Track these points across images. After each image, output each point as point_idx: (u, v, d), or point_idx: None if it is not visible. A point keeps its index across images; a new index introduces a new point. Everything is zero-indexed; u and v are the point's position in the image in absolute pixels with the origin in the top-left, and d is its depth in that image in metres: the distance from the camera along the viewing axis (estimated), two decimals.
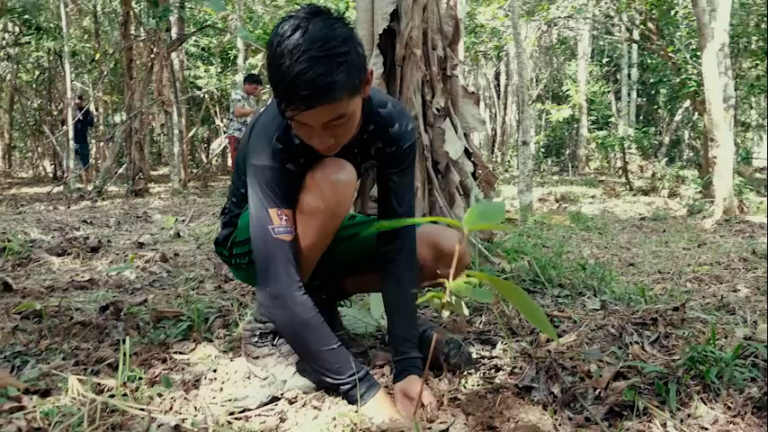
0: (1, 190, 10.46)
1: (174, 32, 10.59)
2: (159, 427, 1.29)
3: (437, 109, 2.90)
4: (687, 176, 9.73)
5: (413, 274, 1.64)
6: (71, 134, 10.23)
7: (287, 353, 1.66)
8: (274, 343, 1.68)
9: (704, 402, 1.39)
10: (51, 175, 16.19)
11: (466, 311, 1.45)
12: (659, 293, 2.65)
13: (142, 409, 1.37)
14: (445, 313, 1.37)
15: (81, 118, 10.77)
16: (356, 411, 1.41)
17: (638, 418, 1.36)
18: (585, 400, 1.43)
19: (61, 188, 9.63)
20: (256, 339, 1.68)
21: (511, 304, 2.31)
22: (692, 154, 17.25)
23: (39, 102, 18.90)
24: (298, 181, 1.47)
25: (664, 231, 5.54)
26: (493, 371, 1.69)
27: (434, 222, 2.49)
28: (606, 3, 12.82)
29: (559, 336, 1.96)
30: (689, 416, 1.35)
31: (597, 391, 1.46)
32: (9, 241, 3.68)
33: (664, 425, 1.32)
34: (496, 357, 1.80)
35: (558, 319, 2.17)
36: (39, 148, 18.94)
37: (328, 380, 1.46)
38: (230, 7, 14.06)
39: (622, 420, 1.34)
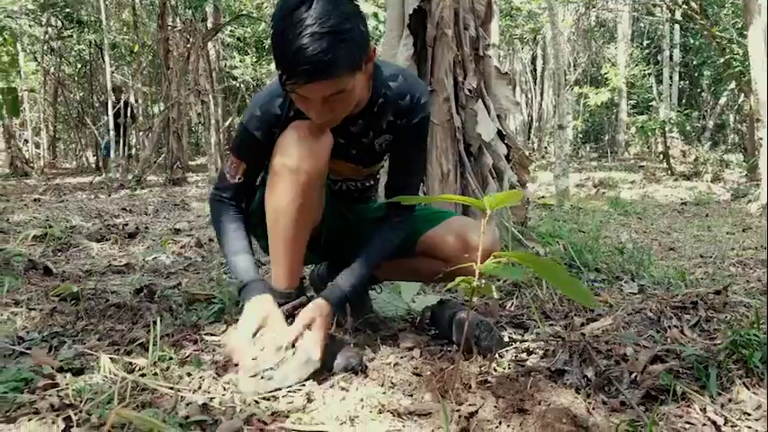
0: (46, 180, 10.73)
1: (209, 23, 10.70)
2: (187, 405, 1.30)
3: (469, 90, 2.84)
4: (732, 161, 9.42)
5: (391, 247, 1.72)
6: (111, 125, 10.44)
7: None
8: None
9: (747, 387, 1.33)
10: (94, 165, 16.58)
11: (496, 294, 1.43)
12: (700, 278, 2.56)
13: (171, 388, 1.38)
14: (475, 297, 1.35)
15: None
16: (384, 393, 1.39)
17: (676, 403, 1.31)
18: (621, 384, 1.39)
19: (102, 177, 9.86)
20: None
21: (544, 288, 2.27)
22: (737, 138, 16.69)
23: (81, 94, 19.34)
24: (263, 149, 1.55)
25: (706, 216, 5.37)
26: (524, 354, 1.66)
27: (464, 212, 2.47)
28: None
29: (594, 320, 1.91)
30: (730, 401, 1.30)
31: (633, 375, 1.41)
32: (51, 227, 3.77)
33: (703, 409, 1.27)
34: (528, 341, 1.76)
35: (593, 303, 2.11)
36: (82, 140, 19.42)
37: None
38: None
39: (659, 405, 1.30)
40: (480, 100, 2.89)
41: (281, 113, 1.52)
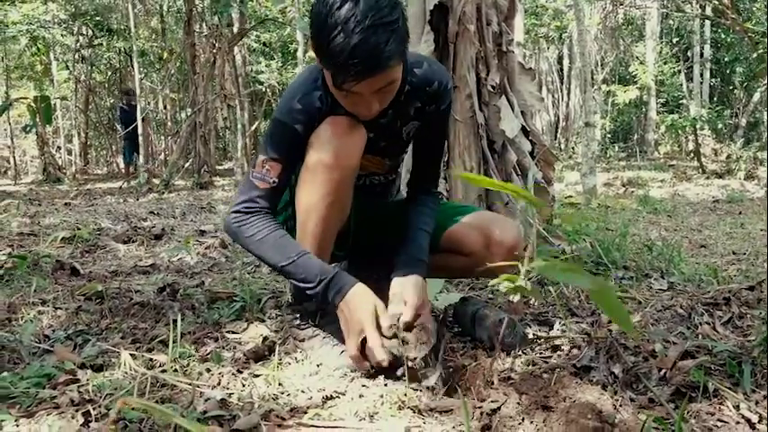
0: (78, 185, 10.94)
1: (235, 28, 10.80)
2: (206, 401, 1.29)
3: (492, 86, 2.80)
4: (765, 160, 9.17)
5: (429, 220, 1.68)
6: (140, 130, 10.59)
7: (332, 332, 1.64)
8: (317, 323, 1.66)
9: None
10: (124, 171, 16.86)
11: (541, 297, 1.40)
12: (733, 275, 2.48)
13: (190, 384, 1.38)
14: (516, 297, 1.33)
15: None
16: (404, 390, 1.36)
17: (708, 400, 1.26)
18: (649, 381, 1.34)
19: (132, 183, 10.01)
20: (299, 322, 1.67)
21: (570, 285, 2.22)
22: None
23: (111, 101, 19.70)
24: (303, 144, 1.48)
25: (740, 213, 5.23)
26: (549, 351, 1.62)
27: (489, 208, 2.44)
28: None
29: None
30: (765, 397, 1.24)
31: (662, 372, 1.36)
32: (79, 230, 3.83)
33: (737, 407, 1.22)
34: (554, 338, 1.71)
35: (621, 300, 2.05)
36: (112, 146, 19.77)
37: (306, 292, 1.46)
38: (289, 0, 14.23)
39: (690, 402, 1.25)
40: (504, 96, 2.85)
41: (321, 106, 1.48)
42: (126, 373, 1.45)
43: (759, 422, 1.16)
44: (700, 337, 1.57)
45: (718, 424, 1.17)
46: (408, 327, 1.43)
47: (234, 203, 1.52)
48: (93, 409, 1.22)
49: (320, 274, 1.42)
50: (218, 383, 1.41)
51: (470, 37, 2.77)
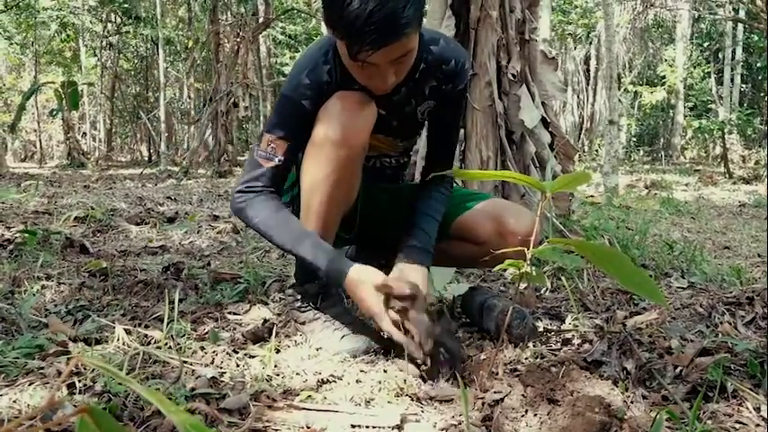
0: (100, 171, 11.04)
1: (261, 19, 10.80)
2: (197, 378, 1.25)
3: (513, 75, 2.73)
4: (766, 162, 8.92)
5: (439, 206, 1.63)
6: (162, 117, 10.66)
7: (333, 316, 1.59)
8: (318, 306, 1.61)
9: None
10: (147, 158, 17.02)
11: (547, 282, 1.33)
12: (758, 276, 2.38)
13: (185, 362, 1.33)
14: (522, 284, 1.26)
15: None
16: (404, 377, 1.30)
17: (726, 401, 1.18)
18: (664, 378, 1.26)
19: (152, 169, 10.08)
20: (300, 304, 1.62)
21: (585, 280, 2.14)
22: None
23: (137, 89, 19.89)
24: (311, 120, 1.42)
25: (767, 218, 5.08)
26: (559, 344, 1.54)
27: (503, 193, 2.36)
28: None
29: (638, 313, 1.78)
30: None
31: (678, 369, 1.29)
32: (93, 210, 3.82)
33: (757, 408, 1.14)
34: (565, 331, 1.64)
35: (637, 297, 1.97)
36: (137, 134, 19.96)
37: (314, 272, 1.41)
38: None
39: (706, 402, 1.17)
40: (524, 85, 2.77)
41: (330, 80, 1.41)
42: (118, 347, 1.41)
43: None
44: (720, 335, 1.49)
45: (737, 425, 1.09)
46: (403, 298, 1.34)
47: (238, 182, 1.46)
48: (79, 381, 1.18)
49: (327, 255, 1.37)
50: (212, 362, 1.36)
51: (492, 23, 2.69)
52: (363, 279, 1.34)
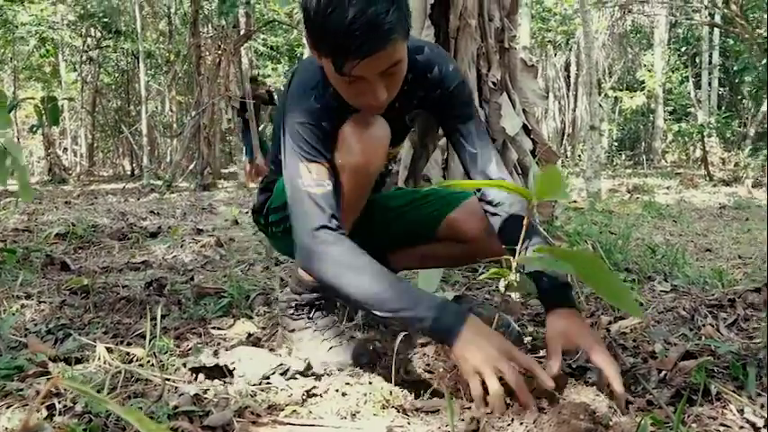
0: (82, 186, 10.93)
1: (242, 31, 10.78)
2: (180, 396, 1.23)
3: (493, 83, 2.74)
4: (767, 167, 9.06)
5: (538, 231, 1.47)
6: (144, 131, 10.59)
7: (323, 327, 1.57)
8: (310, 316, 1.59)
9: None
10: (130, 173, 16.87)
11: (533, 288, 1.31)
12: (739, 278, 2.40)
13: (167, 379, 1.31)
14: (511, 292, 1.24)
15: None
16: (390, 388, 1.29)
17: (710, 404, 1.18)
18: (648, 383, 1.27)
19: (135, 183, 9.99)
20: (292, 311, 1.60)
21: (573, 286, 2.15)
22: None
23: (118, 103, 19.74)
24: (333, 139, 1.37)
25: (746, 220, 5.14)
26: (544, 351, 1.54)
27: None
28: None
29: (622, 318, 1.79)
30: None
31: (662, 373, 1.29)
32: (74, 226, 3.78)
33: (741, 411, 1.14)
34: None
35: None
36: (119, 148, 19.79)
37: (401, 324, 1.27)
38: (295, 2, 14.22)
39: (691, 405, 1.17)
40: (505, 93, 2.79)
41: (337, 104, 1.35)
42: (99, 366, 1.38)
43: (765, 427, 1.09)
44: (702, 338, 1.50)
45: (721, 428, 1.10)
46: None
47: (301, 237, 1.29)
48: (59, 402, 1.16)
49: (428, 302, 1.20)
50: (195, 379, 1.34)
51: (472, 32, 2.71)
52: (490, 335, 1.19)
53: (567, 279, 1.37)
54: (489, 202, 1.51)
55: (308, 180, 1.30)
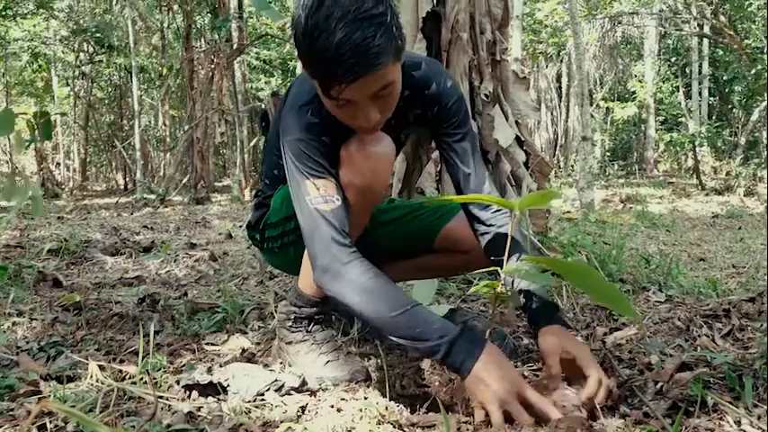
0: (75, 201, 10.90)
1: (235, 45, 10.82)
2: (173, 414, 1.22)
3: (485, 95, 2.75)
4: (765, 176, 9.13)
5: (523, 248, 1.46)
6: (137, 145, 10.58)
7: (321, 340, 1.56)
8: (309, 329, 1.58)
9: None
10: (123, 187, 16.82)
11: (522, 300, 1.32)
12: (733, 288, 2.41)
13: (160, 397, 1.30)
14: (507, 308, 1.24)
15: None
16: (386, 404, 1.28)
17: (707, 415, 1.18)
18: (645, 395, 1.26)
19: (128, 198, 9.96)
20: (291, 324, 1.58)
21: (565, 297, 2.15)
22: None
23: (111, 117, 19.72)
24: (335, 153, 1.36)
25: (739, 228, 5.16)
26: (540, 363, 1.54)
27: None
28: None
29: (618, 329, 1.79)
30: None
31: (659, 385, 1.29)
32: (66, 242, 3.76)
33: (738, 422, 1.14)
34: None
35: (616, 313, 1.98)
36: (112, 162, 19.75)
37: (414, 352, 1.28)
38: (288, 16, 14.29)
39: (688, 417, 1.17)
40: (497, 105, 2.80)
41: (334, 119, 1.32)
42: (92, 384, 1.37)
43: None
44: (698, 349, 1.50)
45: None
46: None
47: (315, 255, 1.28)
48: (50, 422, 1.15)
49: (441, 331, 1.19)
50: (188, 396, 1.33)
51: (463, 45, 2.73)
52: (505, 366, 1.19)
53: (553, 301, 1.40)
54: (482, 222, 1.51)
55: (316, 197, 1.29)
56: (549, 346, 1.29)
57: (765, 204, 5.91)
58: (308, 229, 1.30)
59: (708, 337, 1.61)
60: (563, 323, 1.35)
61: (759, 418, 1.14)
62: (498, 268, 1.27)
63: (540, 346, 1.32)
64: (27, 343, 1.81)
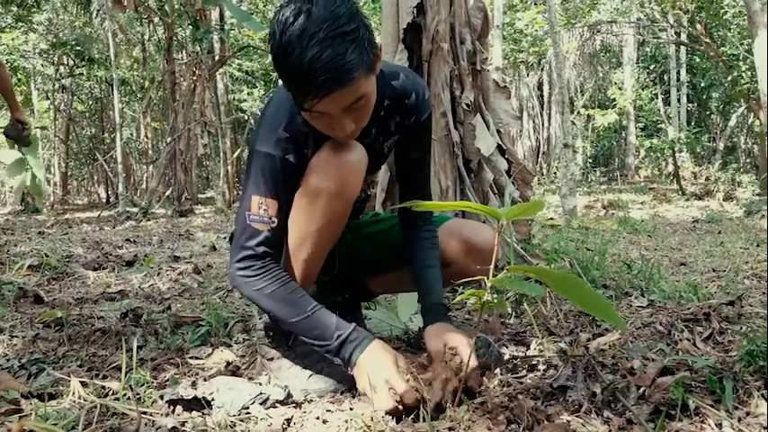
0: (56, 215, 10.77)
1: (216, 56, 10.81)
2: (157, 429, 1.21)
3: (467, 104, 2.78)
4: (743, 180, 9.28)
5: (435, 252, 1.64)
6: (119, 158, 10.50)
7: (302, 354, 1.56)
8: (289, 344, 1.58)
9: (765, 399, 1.21)
10: (105, 201, 16.67)
11: (509, 308, 1.35)
12: (714, 291, 2.44)
13: (144, 413, 1.29)
14: (492, 316, 1.27)
15: None
16: (371, 414, 1.28)
17: (689, 419, 1.19)
18: (627, 399, 1.27)
19: (111, 211, 9.87)
20: (270, 340, 1.59)
21: (548, 304, 2.16)
22: (748, 160, 16.50)
23: (92, 131, 19.56)
24: (297, 173, 1.38)
25: (719, 233, 5.23)
26: (525, 371, 1.55)
27: (464, 216, 2.39)
28: (650, 5, 12.47)
29: (601, 335, 1.80)
30: (748, 414, 1.18)
31: (641, 390, 1.30)
32: (47, 257, 3.71)
33: (719, 425, 1.15)
34: (530, 357, 1.65)
35: (599, 319, 2.00)
36: (94, 176, 19.57)
37: (320, 350, 1.38)
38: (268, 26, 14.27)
39: (670, 421, 1.18)
40: (479, 114, 2.82)
41: (308, 130, 1.36)
42: (74, 401, 1.35)
43: None
44: (680, 353, 1.52)
45: None
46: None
47: (235, 254, 1.38)
48: None
49: (337, 330, 1.34)
50: (173, 411, 1.32)
51: (444, 55, 2.75)
52: (385, 352, 1.35)
53: (444, 300, 1.60)
54: (418, 229, 1.66)
55: (255, 214, 1.37)
56: (432, 335, 1.48)
57: (766, 209, 5.97)
58: (237, 233, 1.40)
59: (689, 340, 1.63)
60: (449, 320, 1.55)
61: (740, 420, 1.16)
62: (484, 277, 1.27)
63: (426, 335, 1.50)
64: (7, 360, 1.79)
